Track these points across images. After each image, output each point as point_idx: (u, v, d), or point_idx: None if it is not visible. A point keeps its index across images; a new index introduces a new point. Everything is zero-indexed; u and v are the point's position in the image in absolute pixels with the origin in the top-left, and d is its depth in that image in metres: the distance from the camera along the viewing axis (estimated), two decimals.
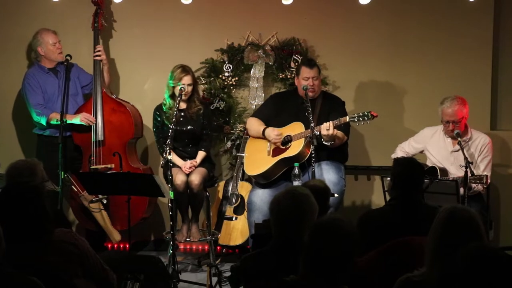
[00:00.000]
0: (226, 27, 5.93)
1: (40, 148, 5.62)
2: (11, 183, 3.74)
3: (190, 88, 5.36)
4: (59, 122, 5.32)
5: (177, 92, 5.28)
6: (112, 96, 5.72)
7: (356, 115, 5.02)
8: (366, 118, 4.99)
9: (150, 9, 5.98)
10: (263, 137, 5.36)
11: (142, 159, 5.99)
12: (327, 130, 4.96)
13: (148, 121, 5.87)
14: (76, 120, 5.49)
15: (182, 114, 5.40)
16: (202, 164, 5.41)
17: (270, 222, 3.19)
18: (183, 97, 5.32)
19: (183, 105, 5.41)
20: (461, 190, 4.68)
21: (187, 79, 5.32)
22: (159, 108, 5.46)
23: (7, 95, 5.98)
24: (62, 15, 5.91)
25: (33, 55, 5.73)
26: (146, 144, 6.04)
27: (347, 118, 5.05)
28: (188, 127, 5.42)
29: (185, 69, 5.37)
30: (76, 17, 5.89)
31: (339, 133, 5.14)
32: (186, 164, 5.33)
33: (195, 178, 5.25)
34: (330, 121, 5.00)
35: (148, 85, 6.03)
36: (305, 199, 3.13)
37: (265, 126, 5.36)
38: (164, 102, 5.39)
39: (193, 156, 5.42)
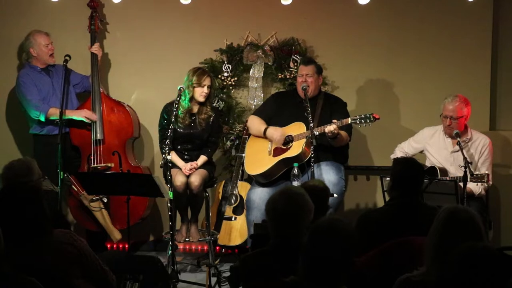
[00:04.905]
0: (225, 27, 5.92)
1: (37, 149, 5.59)
2: (10, 184, 3.73)
3: (209, 91, 5.33)
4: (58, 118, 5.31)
5: (195, 94, 5.28)
6: (110, 96, 5.73)
7: (358, 117, 5.00)
8: (368, 120, 4.96)
9: (149, 9, 5.97)
10: (264, 136, 5.36)
11: (140, 159, 5.98)
12: (329, 129, 4.94)
13: (145, 121, 5.87)
14: (78, 116, 5.49)
15: (192, 117, 5.39)
16: (203, 165, 5.40)
17: (267, 222, 3.19)
18: (201, 99, 5.31)
19: (194, 109, 5.39)
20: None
21: (208, 81, 5.31)
22: (167, 108, 5.38)
23: (0, 97, 5.95)
24: (59, 17, 5.90)
25: (24, 56, 5.68)
26: (143, 144, 6.03)
27: (349, 120, 5.03)
28: (195, 131, 5.39)
29: (205, 71, 5.37)
30: (74, 18, 5.88)
31: (342, 132, 5.12)
32: (186, 166, 5.31)
33: (195, 180, 5.24)
34: (334, 120, 4.99)
35: (147, 86, 6.02)
36: (300, 198, 3.14)
37: (266, 126, 5.36)
38: (183, 104, 5.29)
39: (194, 160, 5.39)
